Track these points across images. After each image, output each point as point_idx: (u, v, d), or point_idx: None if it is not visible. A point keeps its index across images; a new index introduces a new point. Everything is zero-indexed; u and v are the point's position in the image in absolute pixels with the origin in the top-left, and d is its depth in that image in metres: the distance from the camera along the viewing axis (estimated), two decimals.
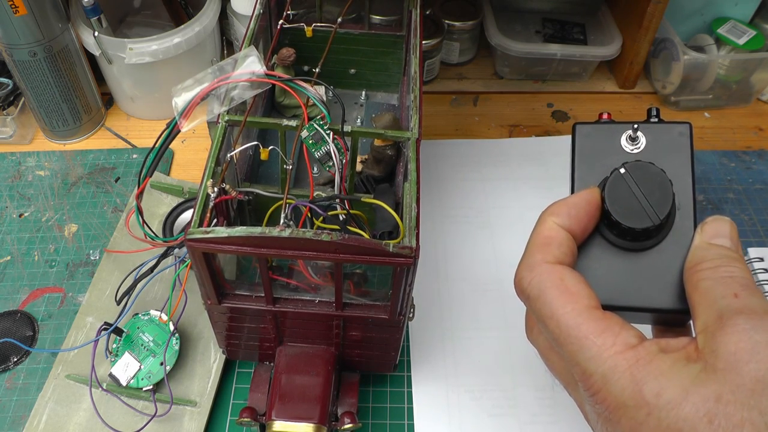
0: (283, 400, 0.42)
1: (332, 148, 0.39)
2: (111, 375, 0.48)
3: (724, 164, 0.67)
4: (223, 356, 0.50)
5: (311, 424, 0.41)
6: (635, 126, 0.35)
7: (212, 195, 0.36)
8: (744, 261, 0.31)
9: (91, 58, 0.67)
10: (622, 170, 0.34)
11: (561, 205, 0.34)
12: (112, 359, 0.48)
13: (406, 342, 0.52)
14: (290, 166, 0.39)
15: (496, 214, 0.62)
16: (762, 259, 0.55)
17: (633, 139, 0.36)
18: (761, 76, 0.72)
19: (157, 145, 0.37)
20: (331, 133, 0.41)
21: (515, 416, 0.48)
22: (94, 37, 0.63)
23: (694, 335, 0.30)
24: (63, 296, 0.56)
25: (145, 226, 0.40)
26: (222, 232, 0.34)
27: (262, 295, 0.40)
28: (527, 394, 0.50)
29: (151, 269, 0.48)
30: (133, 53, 0.63)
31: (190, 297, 0.50)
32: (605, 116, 0.37)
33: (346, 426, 0.44)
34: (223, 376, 0.50)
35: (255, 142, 0.41)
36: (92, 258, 0.58)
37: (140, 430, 0.45)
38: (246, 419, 0.42)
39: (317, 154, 0.40)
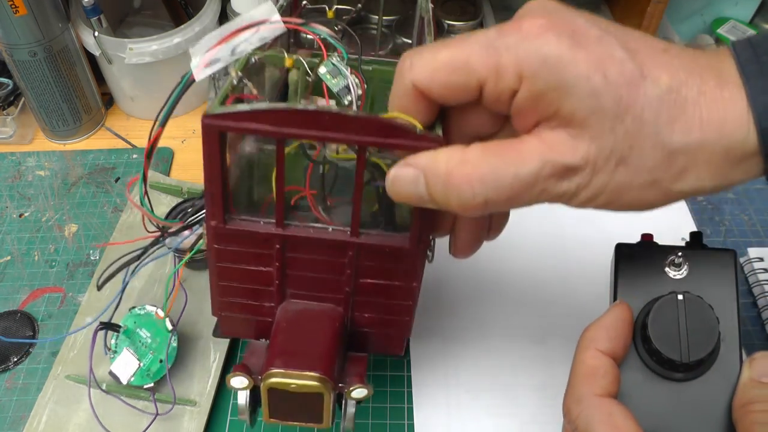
0: (283, 350, 0.37)
1: (350, 81, 0.39)
2: (111, 373, 0.48)
3: None
4: (223, 356, 0.50)
5: (315, 374, 0.35)
6: (679, 253, 0.36)
7: (236, 81, 0.36)
8: None
9: (91, 58, 0.67)
10: (680, 297, 0.33)
11: (598, 328, 0.34)
12: (111, 356, 0.48)
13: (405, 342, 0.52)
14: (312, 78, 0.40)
15: None
16: (762, 259, 0.55)
17: (676, 265, 0.36)
18: None
19: (171, 98, 0.36)
20: (349, 68, 0.41)
21: (515, 416, 0.48)
22: (94, 37, 0.63)
23: None
24: (63, 296, 0.56)
25: (146, 197, 0.39)
26: (243, 107, 0.32)
27: (272, 220, 0.36)
28: (527, 394, 0.50)
29: (138, 257, 0.46)
30: (133, 53, 0.63)
31: (189, 296, 0.50)
32: (646, 237, 0.38)
33: (355, 388, 0.37)
34: (223, 376, 0.50)
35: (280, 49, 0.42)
36: (92, 258, 0.58)
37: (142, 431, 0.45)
38: (238, 374, 0.37)
39: (335, 90, 0.41)
